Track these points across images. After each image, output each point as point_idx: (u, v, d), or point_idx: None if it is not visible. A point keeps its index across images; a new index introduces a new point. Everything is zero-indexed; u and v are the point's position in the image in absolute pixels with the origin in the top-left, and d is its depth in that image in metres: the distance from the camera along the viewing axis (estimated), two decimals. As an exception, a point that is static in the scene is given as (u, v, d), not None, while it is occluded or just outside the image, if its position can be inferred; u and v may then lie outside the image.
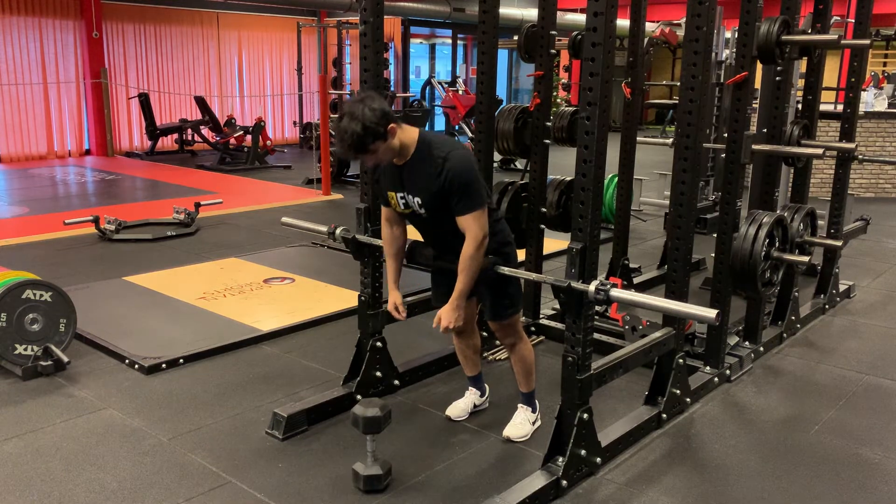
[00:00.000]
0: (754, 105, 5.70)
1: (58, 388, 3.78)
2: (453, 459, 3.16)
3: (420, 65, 18.50)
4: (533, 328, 4.52)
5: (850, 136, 5.15)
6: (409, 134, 2.87)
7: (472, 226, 2.87)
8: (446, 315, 2.98)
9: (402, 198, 2.99)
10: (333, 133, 2.74)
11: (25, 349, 3.86)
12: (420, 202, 2.93)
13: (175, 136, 12.96)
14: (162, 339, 4.38)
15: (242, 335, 4.44)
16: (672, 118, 16.06)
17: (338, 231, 3.56)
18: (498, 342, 4.14)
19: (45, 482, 2.95)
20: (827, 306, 5.18)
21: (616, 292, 2.71)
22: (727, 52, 7.21)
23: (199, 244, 6.75)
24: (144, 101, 12.53)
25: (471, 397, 3.54)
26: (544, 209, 4.23)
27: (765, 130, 4.37)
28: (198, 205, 7.32)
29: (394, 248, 3.20)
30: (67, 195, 9.62)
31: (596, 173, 2.75)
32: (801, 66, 5.27)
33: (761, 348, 4.31)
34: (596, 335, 3.28)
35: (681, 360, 3.56)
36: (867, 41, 4.47)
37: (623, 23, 4.41)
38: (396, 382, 3.75)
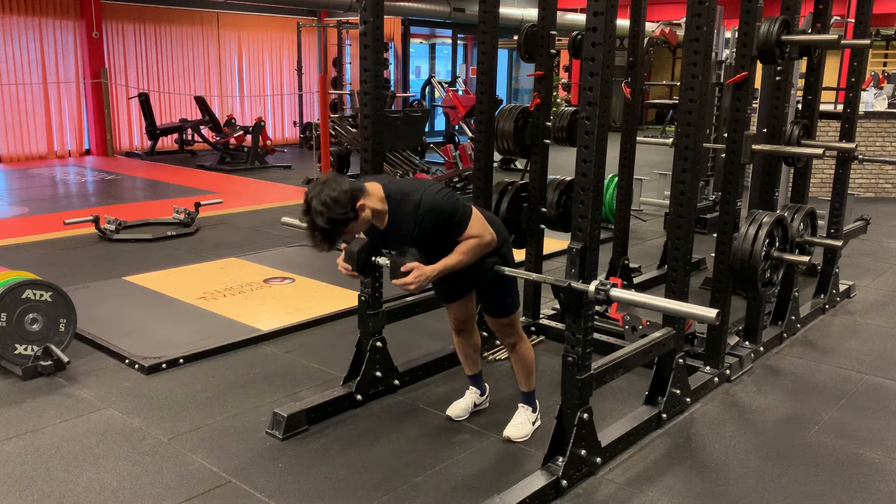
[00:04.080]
0: (754, 105, 5.70)
1: (58, 388, 3.78)
2: (453, 459, 3.16)
3: (420, 65, 18.48)
4: (533, 328, 4.52)
5: (850, 136, 5.15)
6: (376, 199, 2.80)
7: (473, 233, 2.88)
8: (415, 275, 2.80)
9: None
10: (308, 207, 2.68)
11: (25, 349, 3.85)
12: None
13: (175, 136, 12.95)
14: (162, 339, 4.38)
15: (242, 335, 4.44)
16: (672, 118, 16.06)
17: (338, 231, 3.55)
18: (498, 342, 4.14)
19: (45, 482, 2.95)
20: (827, 306, 5.18)
21: (616, 292, 2.71)
22: (727, 52, 7.21)
23: (199, 244, 6.74)
24: (144, 100, 12.53)
25: (471, 396, 3.55)
26: (544, 209, 4.23)
27: (765, 130, 4.36)
28: (198, 205, 7.32)
29: None
30: (67, 195, 9.61)
31: (596, 173, 2.75)
32: (801, 66, 5.27)
33: (761, 348, 4.31)
34: (596, 335, 3.28)
35: (681, 360, 3.56)
36: (867, 41, 4.46)
37: (623, 23, 4.41)
38: (396, 382, 3.75)
